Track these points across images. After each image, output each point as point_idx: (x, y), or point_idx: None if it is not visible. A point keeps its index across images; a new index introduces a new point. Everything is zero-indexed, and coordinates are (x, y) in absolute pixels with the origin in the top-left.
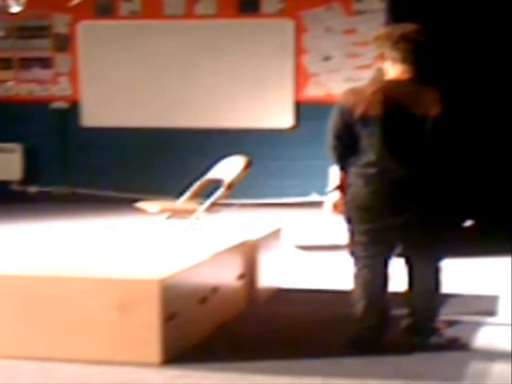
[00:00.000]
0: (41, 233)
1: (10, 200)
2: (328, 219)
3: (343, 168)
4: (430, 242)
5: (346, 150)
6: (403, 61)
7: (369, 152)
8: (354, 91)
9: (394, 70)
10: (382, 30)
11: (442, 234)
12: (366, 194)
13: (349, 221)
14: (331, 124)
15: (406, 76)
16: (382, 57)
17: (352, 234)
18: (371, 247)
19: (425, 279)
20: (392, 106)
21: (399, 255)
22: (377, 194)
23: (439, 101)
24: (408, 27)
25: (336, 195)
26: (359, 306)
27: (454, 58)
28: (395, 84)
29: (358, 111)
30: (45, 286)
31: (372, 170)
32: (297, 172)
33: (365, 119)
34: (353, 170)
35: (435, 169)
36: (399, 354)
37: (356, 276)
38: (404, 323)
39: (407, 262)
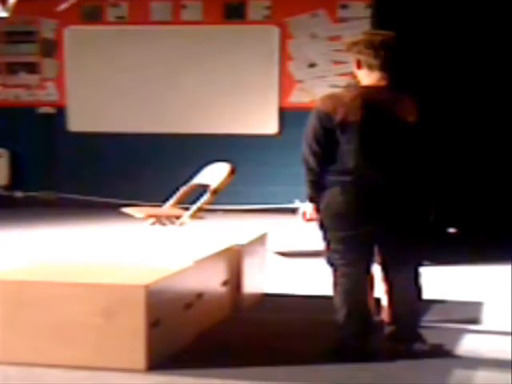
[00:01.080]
0: (26, 238)
1: None
2: (302, 226)
3: (321, 175)
4: (406, 249)
5: (325, 155)
6: (381, 68)
7: (347, 158)
8: (332, 97)
9: (370, 77)
10: (358, 37)
11: (419, 240)
12: (342, 202)
13: (324, 228)
14: (310, 130)
15: (382, 83)
16: (357, 64)
17: (328, 241)
18: (348, 255)
19: (404, 286)
20: (371, 112)
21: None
22: (353, 201)
23: (416, 107)
24: (385, 34)
25: (310, 204)
26: (340, 314)
27: (434, 64)
28: (373, 90)
29: (337, 117)
30: (30, 291)
31: (348, 178)
32: (281, 178)
33: (343, 125)
34: (329, 176)
35: (413, 176)
36: (382, 361)
37: (335, 284)
38: (387, 330)
39: (384, 269)
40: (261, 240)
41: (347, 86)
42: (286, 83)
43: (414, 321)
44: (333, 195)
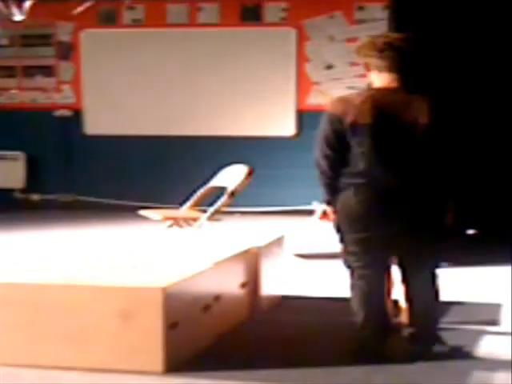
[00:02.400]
0: (43, 241)
1: (12, 208)
2: (319, 227)
3: (335, 178)
4: (422, 251)
5: (338, 158)
6: (389, 69)
7: (358, 161)
8: (342, 100)
9: (380, 80)
10: (365, 41)
11: (435, 242)
12: (356, 204)
13: (340, 231)
14: (321, 133)
15: (392, 85)
16: (367, 67)
17: (344, 243)
18: (364, 257)
19: (421, 288)
20: (381, 114)
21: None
22: (366, 203)
23: (428, 109)
24: (392, 36)
25: (327, 207)
26: (359, 317)
27: (451, 65)
28: (384, 92)
29: (348, 120)
30: (47, 294)
31: (362, 180)
32: (299, 180)
33: (354, 128)
34: (343, 179)
35: (427, 177)
36: (401, 363)
37: (352, 287)
38: (405, 332)
39: (401, 270)
40: (278, 242)
41: (368, 89)
42: (303, 85)
43: (432, 322)
44: (347, 197)
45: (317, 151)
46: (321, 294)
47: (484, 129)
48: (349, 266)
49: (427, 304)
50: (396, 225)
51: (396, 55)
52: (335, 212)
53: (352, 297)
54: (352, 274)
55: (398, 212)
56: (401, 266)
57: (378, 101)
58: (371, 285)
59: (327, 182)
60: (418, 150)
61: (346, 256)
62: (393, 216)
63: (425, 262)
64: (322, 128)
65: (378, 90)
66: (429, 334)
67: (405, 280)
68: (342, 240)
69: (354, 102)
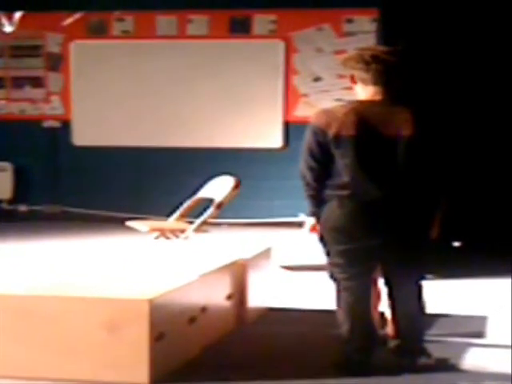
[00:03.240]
0: (30, 252)
1: None
2: (308, 239)
3: (319, 189)
4: (407, 263)
5: (322, 170)
6: (374, 82)
7: (342, 173)
8: (325, 112)
9: (364, 92)
10: (351, 53)
11: (419, 254)
12: (340, 216)
13: (324, 242)
14: (305, 145)
15: (377, 97)
16: (352, 79)
17: (329, 255)
18: (348, 269)
19: (406, 300)
20: (365, 126)
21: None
22: (350, 215)
23: (412, 121)
24: (378, 48)
25: (312, 219)
26: (344, 329)
27: (439, 76)
28: (367, 105)
29: (331, 132)
30: (33, 305)
31: (345, 192)
32: (286, 192)
33: (338, 140)
34: (327, 191)
35: (409, 189)
36: (387, 375)
37: (338, 299)
38: (391, 344)
39: (386, 282)
40: (265, 254)
41: (352, 101)
42: (290, 97)
43: (417, 335)
44: (331, 209)
45: (301, 163)
46: (307, 306)
47: (470, 140)
48: (334, 278)
49: (412, 316)
50: (380, 237)
51: (381, 68)
52: (319, 224)
53: (337, 309)
54: (337, 286)
55: (382, 224)
56: (386, 277)
57: (361, 113)
58: (356, 296)
59: (312, 194)
60: (402, 162)
61: (330, 268)
62: (377, 228)
63: (410, 274)
64: (306, 140)
65: (362, 102)
66: (414, 346)
67: (390, 292)
68: (326, 251)
69: (337, 114)
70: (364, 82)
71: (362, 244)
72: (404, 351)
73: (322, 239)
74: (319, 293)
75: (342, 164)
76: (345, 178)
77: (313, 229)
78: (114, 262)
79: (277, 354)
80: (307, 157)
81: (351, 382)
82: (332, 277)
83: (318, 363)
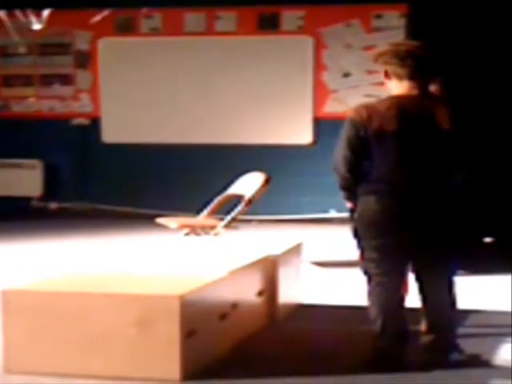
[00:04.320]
0: (61, 249)
1: (30, 216)
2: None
3: (354, 182)
4: (439, 259)
5: (358, 164)
6: (410, 77)
7: (381, 167)
8: (366, 107)
9: (399, 87)
10: (384, 48)
11: (454, 249)
12: (378, 210)
13: (358, 237)
14: (345, 139)
15: (413, 92)
16: (386, 74)
17: (362, 250)
18: (383, 264)
19: (439, 295)
20: (406, 121)
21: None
22: (388, 210)
23: (451, 115)
24: (412, 43)
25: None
26: (376, 325)
27: (469, 72)
28: (406, 100)
29: (373, 126)
30: (65, 302)
31: (384, 186)
32: (316, 188)
33: (379, 134)
34: (364, 186)
35: (449, 184)
36: (418, 372)
37: (370, 294)
38: (423, 340)
39: (418, 278)
40: (296, 250)
41: (390, 96)
42: (320, 93)
43: (450, 330)
44: (368, 204)
45: (337, 156)
46: (338, 303)
47: (505, 134)
48: (366, 273)
49: (444, 312)
50: (416, 232)
51: (417, 63)
52: (354, 218)
53: (369, 304)
54: (369, 281)
55: (419, 219)
56: (417, 273)
57: (402, 108)
58: (389, 292)
59: (347, 186)
60: (442, 157)
61: (364, 263)
62: (413, 223)
63: (442, 270)
64: (346, 133)
65: (400, 97)
66: (447, 342)
67: (422, 287)
68: (359, 246)
69: (379, 109)
70: (399, 77)
71: (398, 239)
72: (437, 347)
73: (356, 234)
74: (349, 289)
75: (382, 158)
76: (384, 172)
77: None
78: (145, 259)
79: (307, 351)
80: (345, 150)
81: (383, 378)
82: (364, 271)
83: (349, 359)
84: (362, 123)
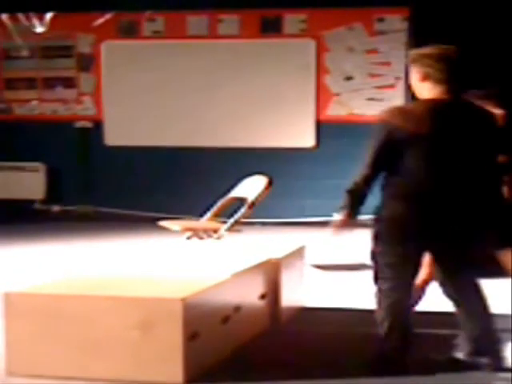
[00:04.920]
0: (63, 251)
1: (33, 219)
2: (340, 239)
3: (364, 190)
4: (467, 263)
5: (378, 172)
6: (448, 81)
7: (413, 172)
8: (401, 110)
9: (434, 90)
10: (426, 50)
11: (478, 254)
12: (407, 215)
13: (379, 240)
14: (375, 142)
15: (448, 96)
16: (422, 76)
17: (381, 253)
18: (401, 269)
19: (473, 301)
20: (442, 125)
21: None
22: (418, 215)
23: (487, 120)
24: (449, 48)
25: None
26: (384, 327)
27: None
28: (441, 104)
29: (407, 129)
30: (67, 305)
31: (416, 190)
32: (318, 191)
33: (413, 138)
34: (392, 189)
35: (481, 189)
36: (421, 375)
37: (380, 297)
38: (463, 349)
39: (446, 283)
40: (299, 253)
41: (424, 100)
42: (322, 96)
43: (491, 335)
44: (396, 208)
45: (367, 159)
46: (341, 306)
47: None
48: (377, 276)
49: (483, 317)
50: (446, 238)
51: (455, 68)
52: (378, 220)
53: (377, 307)
54: (381, 284)
55: (450, 224)
56: (445, 280)
57: (439, 112)
58: (401, 295)
59: (354, 190)
60: (476, 163)
61: (382, 267)
62: (443, 228)
63: (469, 274)
64: (377, 137)
65: (436, 101)
66: (491, 347)
67: (450, 292)
68: (377, 249)
69: (414, 113)
70: (437, 80)
71: (423, 246)
72: (480, 353)
73: (376, 236)
74: (352, 292)
75: (416, 163)
76: (416, 177)
77: (339, 225)
78: (147, 262)
79: (310, 354)
80: (373, 154)
81: (385, 381)
82: (376, 275)
83: (352, 362)
84: (395, 127)
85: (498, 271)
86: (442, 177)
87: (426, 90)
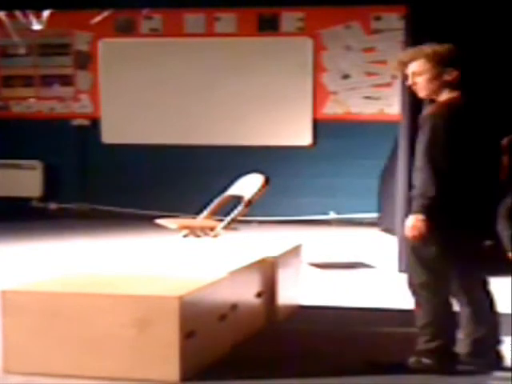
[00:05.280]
0: (60, 249)
1: (30, 216)
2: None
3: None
4: (481, 260)
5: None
6: (461, 84)
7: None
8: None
9: (451, 93)
10: (441, 48)
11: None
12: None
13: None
14: (435, 138)
15: (462, 98)
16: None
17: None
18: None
19: (483, 299)
20: (472, 128)
21: None
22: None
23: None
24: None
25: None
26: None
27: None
28: (462, 106)
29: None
30: (64, 303)
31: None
32: (315, 190)
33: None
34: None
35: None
36: (418, 374)
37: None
38: (462, 347)
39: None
40: (295, 251)
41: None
42: (319, 95)
43: (494, 335)
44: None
45: (424, 168)
46: (337, 304)
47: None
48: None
49: (493, 317)
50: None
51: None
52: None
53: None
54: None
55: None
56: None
57: (468, 114)
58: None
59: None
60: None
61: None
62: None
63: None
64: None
65: (456, 104)
66: (492, 348)
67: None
68: (457, 250)
69: (458, 112)
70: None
71: (477, 245)
72: (478, 355)
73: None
74: (348, 290)
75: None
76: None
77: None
78: (144, 260)
79: (306, 352)
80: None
81: (382, 379)
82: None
83: (348, 360)
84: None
85: (504, 268)
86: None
87: (442, 92)
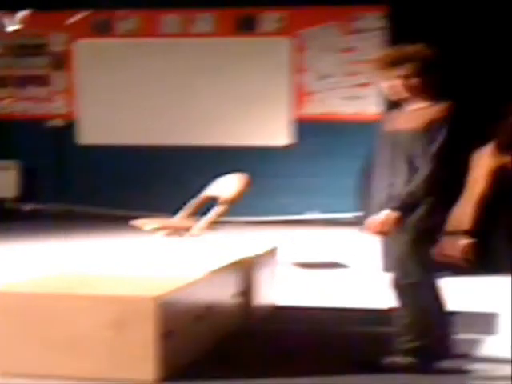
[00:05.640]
0: (36, 250)
1: (4, 217)
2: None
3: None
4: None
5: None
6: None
7: None
8: None
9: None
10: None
11: None
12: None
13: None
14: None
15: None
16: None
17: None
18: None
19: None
20: None
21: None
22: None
23: None
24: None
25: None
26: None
27: (451, 75)
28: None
29: None
30: (40, 304)
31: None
32: (293, 190)
33: None
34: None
35: None
36: (396, 373)
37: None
38: (404, 345)
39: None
40: (272, 252)
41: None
42: (298, 95)
43: (447, 334)
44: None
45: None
46: (313, 304)
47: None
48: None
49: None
50: None
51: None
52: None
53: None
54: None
55: None
56: None
57: None
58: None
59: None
60: None
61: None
62: None
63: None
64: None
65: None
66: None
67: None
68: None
69: None
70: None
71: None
72: (427, 351)
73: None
74: (325, 290)
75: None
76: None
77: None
78: (121, 261)
79: (283, 352)
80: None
81: (356, 379)
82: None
83: (324, 360)
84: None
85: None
86: None
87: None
